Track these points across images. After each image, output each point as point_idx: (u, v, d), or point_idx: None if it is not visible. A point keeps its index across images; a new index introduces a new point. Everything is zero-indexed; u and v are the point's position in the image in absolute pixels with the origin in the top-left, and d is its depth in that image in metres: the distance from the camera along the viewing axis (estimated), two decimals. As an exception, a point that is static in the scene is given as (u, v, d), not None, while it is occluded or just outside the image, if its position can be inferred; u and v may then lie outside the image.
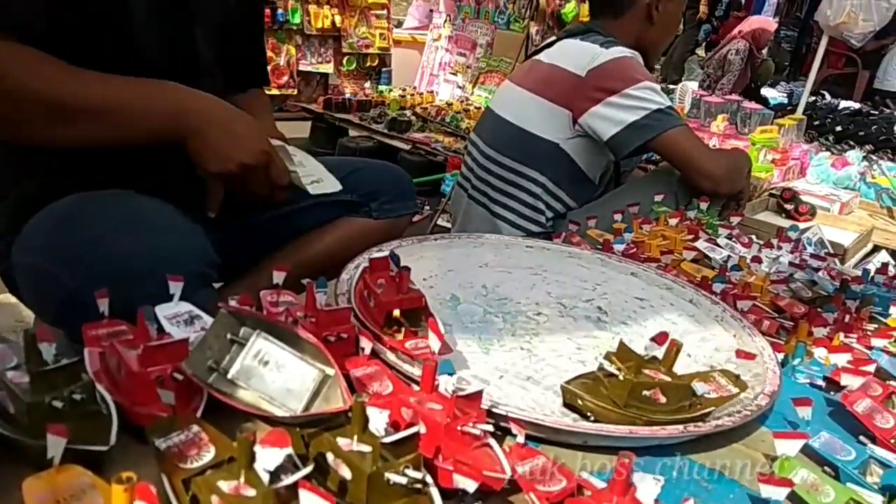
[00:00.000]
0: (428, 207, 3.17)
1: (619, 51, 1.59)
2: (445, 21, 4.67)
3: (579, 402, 0.68)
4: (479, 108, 4.20)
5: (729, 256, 1.29)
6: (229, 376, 0.60)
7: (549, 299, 0.93)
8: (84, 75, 0.90)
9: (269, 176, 0.98)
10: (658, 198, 1.57)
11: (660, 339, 0.72)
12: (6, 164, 1.06)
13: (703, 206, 1.55)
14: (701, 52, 9.36)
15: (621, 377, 0.67)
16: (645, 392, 0.67)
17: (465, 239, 1.09)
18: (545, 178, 1.68)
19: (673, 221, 1.39)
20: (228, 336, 0.64)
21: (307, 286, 0.76)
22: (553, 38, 1.82)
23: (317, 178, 1.08)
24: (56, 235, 0.91)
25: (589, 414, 0.67)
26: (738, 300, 1.02)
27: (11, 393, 0.55)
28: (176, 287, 0.73)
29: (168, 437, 0.54)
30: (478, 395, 0.60)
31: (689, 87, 3.55)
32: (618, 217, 1.42)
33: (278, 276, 0.79)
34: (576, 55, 1.61)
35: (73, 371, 0.55)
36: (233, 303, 0.69)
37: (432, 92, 4.66)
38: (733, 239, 1.39)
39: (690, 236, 1.36)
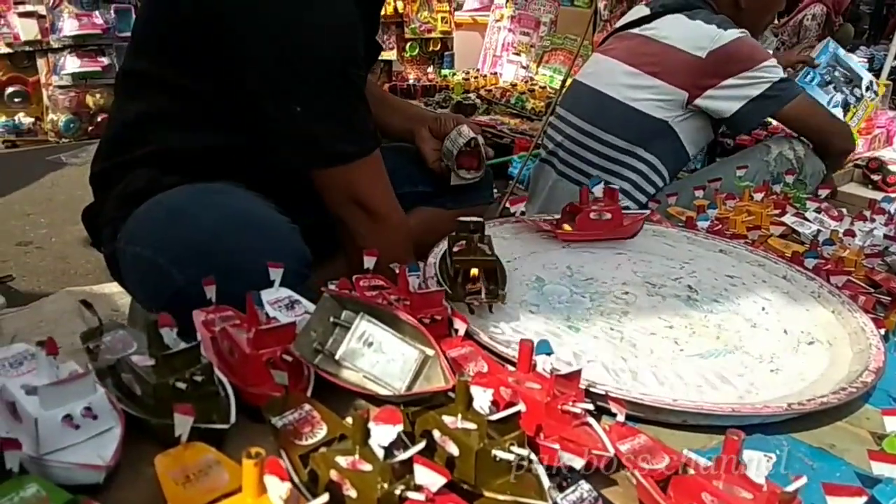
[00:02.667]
0: (495, 190, 3.16)
1: (737, 32, 1.58)
2: (507, 1, 4.61)
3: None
4: (545, 87, 4.14)
5: (819, 230, 1.25)
6: (336, 357, 0.63)
7: (636, 279, 0.92)
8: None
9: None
10: (740, 172, 1.52)
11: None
12: (120, 151, 1.12)
13: (790, 179, 1.49)
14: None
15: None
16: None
17: (547, 219, 1.09)
18: (652, 155, 1.66)
19: (758, 196, 1.35)
20: (331, 319, 0.66)
21: (399, 269, 0.78)
22: (643, 8, 1.76)
23: None
24: (167, 230, 0.96)
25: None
26: (831, 275, 0.99)
27: (137, 376, 0.59)
28: (276, 273, 0.76)
29: (283, 415, 0.56)
30: (576, 375, 0.60)
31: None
32: (699, 193, 1.39)
33: (369, 261, 0.81)
34: (692, 36, 1.59)
35: (192, 354, 0.58)
36: (332, 287, 0.72)
37: (496, 73, 4.62)
38: (822, 213, 1.34)
39: (777, 211, 1.32)
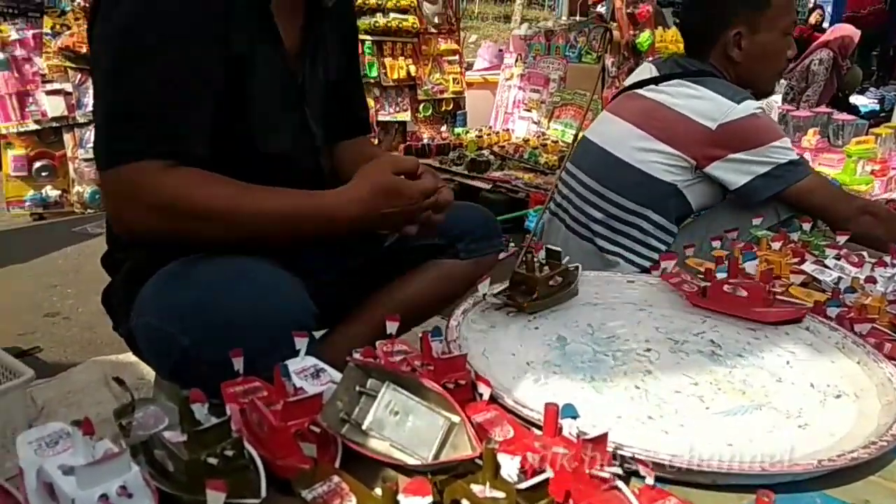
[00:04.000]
0: (513, 244, 3.19)
1: (750, 106, 1.57)
2: (516, 60, 4.74)
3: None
4: (556, 141, 4.21)
5: (840, 278, 1.24)
6: (363, 427, 0.63)
7: (658, 335, 0.92)
8: (265, 194, 1.01)
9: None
10: (756, 221, 1.53)
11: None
12: (117, 239, 1.16)
13: (806, 226, 1.50)
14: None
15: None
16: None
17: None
18: (660, 216, 1.66)
19: (776, 245, 1.35)
20: (357, 388, 0.67)
21: (422, 336, 0.79)
22: (651, 68, 1.78)
23: None
24: (168, 297, 0.98)
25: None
26: (855, 323, 0.98)
27: (169, 452, 0.60)
28: (301, 343, 0.77)
29: (312, 488, 0.57)
30: (603, 438, 0.61)
31: (775, 104, 3.44)
32: (716, 244, 1.40)
33: (391, 327, 0.83)
34: (704, 106, 1.58)
35: (223, 429, 0.59)
36: (357, 356, 0.73)
37: (508, 130, 4.71)
38: (842, 259, 1.34)
39: (796, 259, 1.32)
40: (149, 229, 0.97)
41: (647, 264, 1.67)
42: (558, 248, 1.05)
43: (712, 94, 1.58)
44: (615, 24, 3.30)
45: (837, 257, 1.35)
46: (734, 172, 1.57)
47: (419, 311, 1.38)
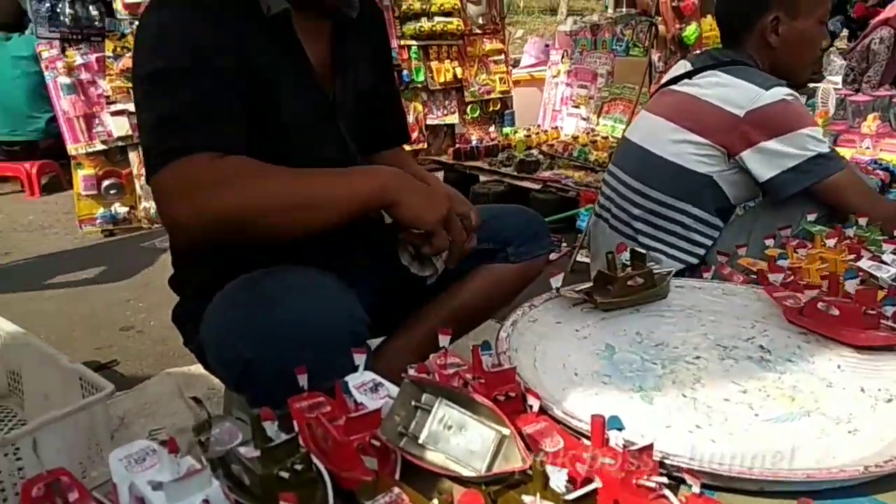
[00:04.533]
0: (565, 244, 3.20)
1: (780, 92, 1.55)
2: (563, 57, 4.72)
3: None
4: (606, 137, 4.18)
5: (898, 273, 1.22)
6: (420, 440, 0.68)
7: (706, 341, 0.94)
8: (304, 173, 1.04)
9: (450, 226, 1.06)
10: (811, 217, 1.51)
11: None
12: (184, 258, 1.24)
13: (862, 221, 1.47)
14: (841, 43, 8.73)
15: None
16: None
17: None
18: (698, 209, 1.67)
19: (830, 242, 1.33)
20: (413, 403, 0.71)
21: (473, 349, 0.82)
22: (686, 64, 1.79)
23: None
24: (231, 312, 1.05)
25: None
26: (912, 322, 0.97)
27: (245, 467, 0.65)
28: (360, 359, 0.82)
29: (375, 499, 0.61)
30: (649, 448, 0.63)
31: (831, 89, 3.34)
32: (769, 242, 1.39)
33: (444, 340, 0.86)
34: (732, 94, 1.58)
35: (292, 444, 0.65)
36: (412, 371, 0.77)
37: (557, 128, 4.70)
38: (901, 254, 1.31)
39: (852, 256, 1.30)
40: (200, 216, 0.98)
41: (692, 259, 1.67)
42: (643, 251, 1.08)
43: (740, 82, 1.58)
44: (660, 19, 3.26)
45: (895, 252, 1.32)
46: (762, 164, 1.56)
47: (472, 317, 1.42)
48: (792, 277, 1.22)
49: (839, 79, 5.95)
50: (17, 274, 3.19)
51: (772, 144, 1.54)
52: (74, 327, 2.52)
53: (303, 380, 0.78)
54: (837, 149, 3.04)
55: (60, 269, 3.18)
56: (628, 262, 1.08)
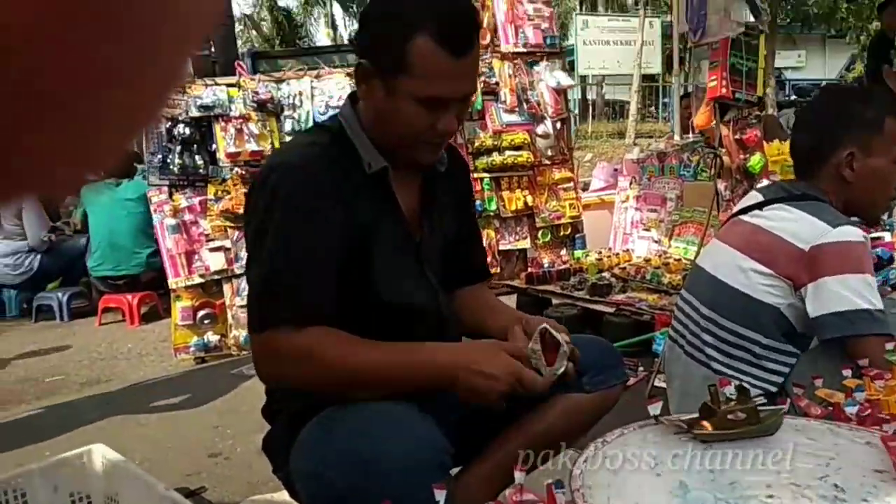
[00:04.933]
0: (641, 368, 3.17)
1: (847, 232, 1.57)
2: (631, 183, 4.85)
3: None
4: (679, 259, 4.19)
5: (983, 408, 1.19)
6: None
7: (780, 479, 0.94)
8: (375, 348, 1.19)
9: (523, 386, 1.18)
10: (889, 346, 1.49)
11: None
12: (278, 391, 1.36)
13: (942, 350, 1.44)
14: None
15: None
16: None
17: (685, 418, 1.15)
18: (767, 338, 1.68)
19: (909, 372, 1.32)
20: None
21: (547, 487, 0.87)
22: (756, 195, 1.84)
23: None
24: (323, 444, 1.14)
25: None
26: None
27: None
28: (441, 495, 0.87)
29: None
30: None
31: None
32: (847, 373, 1.38)
33: (519, 476, 0.91)
34: (800, 228, 1.62)
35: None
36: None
37: (628, 250, 4.76)
38: None
39: (931, 388, 1.28)
40: (284, 379, 1.22)
41: (769, 387, 1.66)
42: (748, 386, 1.10)
43: (809, 217, 1.61)
44: (724, 150, 3.36)
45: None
46: (813, 300, 1.57)
47: (549, 447, 1.44)
48: (870, 410, 1.21)
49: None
50: (116, 400, 3.40)
51: (825, 283, 1.55)
52: (166, 453, 2.65)
53: (441, 495, 0.84)
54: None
55: (155, 396, 3.38)
56: (733, 396, 1.10)
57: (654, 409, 1.11)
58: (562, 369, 1.25)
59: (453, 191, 1.47)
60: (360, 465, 1.07)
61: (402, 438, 1.09)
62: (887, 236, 3.22)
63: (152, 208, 4.06)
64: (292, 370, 1.19)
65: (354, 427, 1.12)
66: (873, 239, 3.11)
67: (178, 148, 3.89)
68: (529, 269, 4.52)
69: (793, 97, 20.31)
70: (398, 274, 1.32)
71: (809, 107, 1.98)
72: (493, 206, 4.83)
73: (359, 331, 1.21)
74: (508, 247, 4.94)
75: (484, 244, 1.72)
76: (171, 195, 4.03)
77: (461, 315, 1.49)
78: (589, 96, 19.17)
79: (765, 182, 3.34)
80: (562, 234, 5.15)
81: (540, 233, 5.06)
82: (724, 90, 3.13)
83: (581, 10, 19.54)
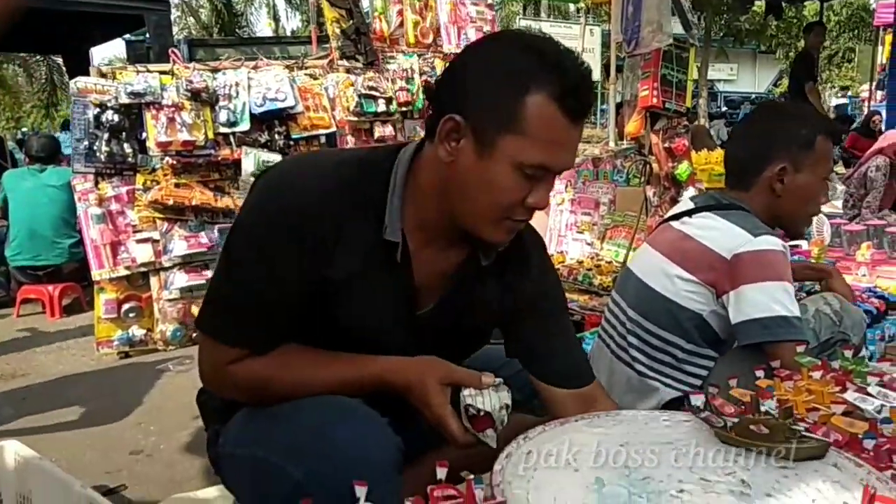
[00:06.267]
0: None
1: (768, 241, 1.63)
2: (566, 186, 4.94)
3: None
4: (610, 262, 4.30)
5: (882, 405, 1.27)
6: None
7: (690, 475, 0.98)
8: (307, 364, 1.16)
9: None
10: (800, 348, 1.57)
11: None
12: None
13: (848, 353, 1.53)
14: (840, 168, 9.05)
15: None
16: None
17: (605, 417, 1.18)
18: (689, 343, 1.74)
19: (816, 374, 1.38)
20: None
21: (466, 482, 0.88)
22: (688, 202, 1.90)
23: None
24: (275, 427, 1.11)
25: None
26: (894, 455, 1.02)
27: None
28: (361, 491, 0.87)
29: None
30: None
31: (825, 219, 3.48)
32: (760, 373, 1.44)
33: (441, 472, 0.92)
34: (722, 237, 1.67)
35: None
36: (408, 503, 0.83)
37: (562, 252, 4.84)
38: (885, 386, 1.36)
39: (838, 388, 1.35)
40: (227, 396, 1.20)
41: (686, 389, 1.72)
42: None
43: (731, 226, 1.68)
44: (653, 158, 3.47)
45: (881, 384, 1.37)
46: (734, 307, 1.63)
47: (491, 459, 1.44)
48: (779, 408, 1.27)
49: (840, 203, 6.15)
50: (32, 396, 3.26)
51: (745, 290, 1.61)
52: (86, 450, 2.55)
53: (361, 492, 0.83)
54: (834, 276, 3.13)
55: (76, 391, 3.25)
56: (772, 411, 1.12)
57: (697, 399, 1.15)
58: (488, 440, 1.12)
59: (506, 284, 1.29)
60: (322, 454, 1.04)
61: (365, 431, 1.07)
62: (804, 245, 3.38)
63: (76, 196, 3.90)
64: (241, 396, 1.19)
65: (313, 414, 1.09)
66: (791, 247, 3.27)
67: (106, 135, 3.74)
68: (466, 269, 4.53)
69: (724, 108, 21.14)
70: (376, 343, 1.19)
71: (746, 120, 2.05)
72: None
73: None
74: (446, 246, 4.95)
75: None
76: (97, 183, 3.88)
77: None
78: (530, 99, 19.35)
79: (691, 190, 3.47)
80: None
81: (477, 233, 5.08)
82: (654, 100, 3.23)
83: (524, 14, 19.76)
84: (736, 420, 1.10)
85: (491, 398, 1.11)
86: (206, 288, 1.24)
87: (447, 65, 1.18)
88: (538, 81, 1.04)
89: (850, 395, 1.32)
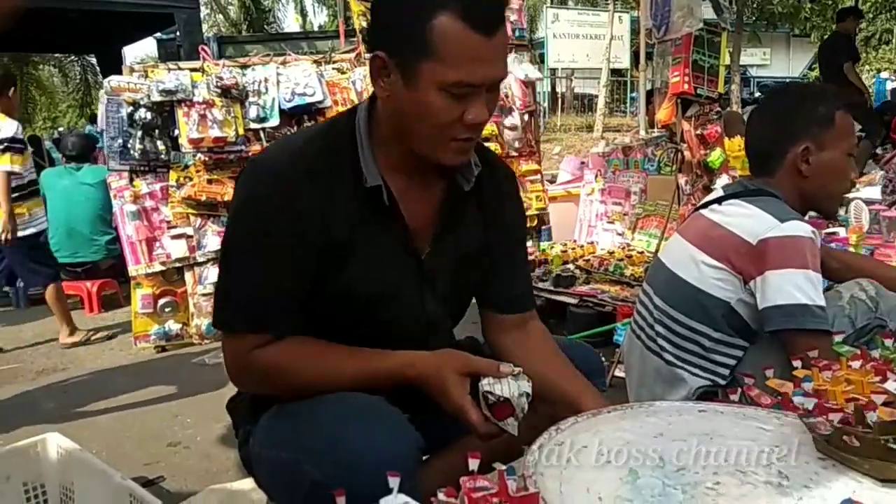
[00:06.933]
0: (603, 359, 3.21)
1: (795, 227, 1.60)
2: (596, 176, 4.90)
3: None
4: (642, 252, 4.25)
5: (925, 397, 1.24)
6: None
7: (726, 466, 0.97)
8: (327, 357, 1.18)
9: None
10: (838, 338, 1.53)
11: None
12: None
13: (889, 342, 1.49)
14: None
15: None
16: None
17: (638, 409, 1.17)
18: (718, 332, 1.71)
19: (856, 364, 1.35)
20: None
21: (498, 472, 0.88)
22: (719, 190, 1.88)
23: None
24: (297, 428, 1.13)
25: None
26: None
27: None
28: (394, 482, 0.88)
29: None
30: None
31: (863, 206, 3.39)
32: (796, 364, 1.41)
33: (473, 464, 0.92)
34: (750, 222, 1.65)
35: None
36: (441, 496, 0.83)
37: (593, 243, 4.81)
38: (929, 376, 1.33)
39: (878, 378, 1.32)
40: (258, 392, 1.22)
41: (718, 380, 1.70)
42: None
43: (759, 212, 1.65)
44: (685, 145, 3.41)
45: (923, 374, 1.34)
46: (760, 294, 1.60)
47: (515, 447, 1.44)
48: (816, 400, 1.24)
49: (878, 189, 5.99)
50: (73, 389, 3.34)
51: (769, 276, 1.58)
52: (125, 442, 2.61)
53: (395, 482, 0.84)
54: (873, 263, 3.05)
55: (114, 385, 3.33)
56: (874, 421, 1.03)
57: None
58: (509, 428, 1.12)
59: (485, 208, 1.34)
60: (340, 456, 1.05)
61: (383, 431, 1.08)
62: (842, 232, 3.30)
63: (112, 194, 3.98)
64: (263, 387, 1.21)
65: (334, 417, 1.11)
66: (828, 234, 3.19)
67: (139, 133, 3.81)
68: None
69: (757, 94, 20.71)
70: (386, 294, 1.24)
71: (761, 107, 2.01)
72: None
73: (336, 336, 1.20)
74: (475, 238, 4.94)
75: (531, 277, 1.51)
76: (131, 181, 3.96)
77: (496, 344, 1.40)
78: (558, 89, 19.27)
79: (724, 178, 3.41)
80: (529, 225, 5.18)
81: (507, 224, 5.07)
82: (686, 86, 3.18)
83: (551, 3, 19.60)
84: (831, 431, 1.02)
85: (510, 386, 1.11)
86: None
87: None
88: (441, 3, 1.06)
89: (892, 385, 1.29)
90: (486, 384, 1.12)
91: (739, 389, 1.30)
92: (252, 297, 1.16)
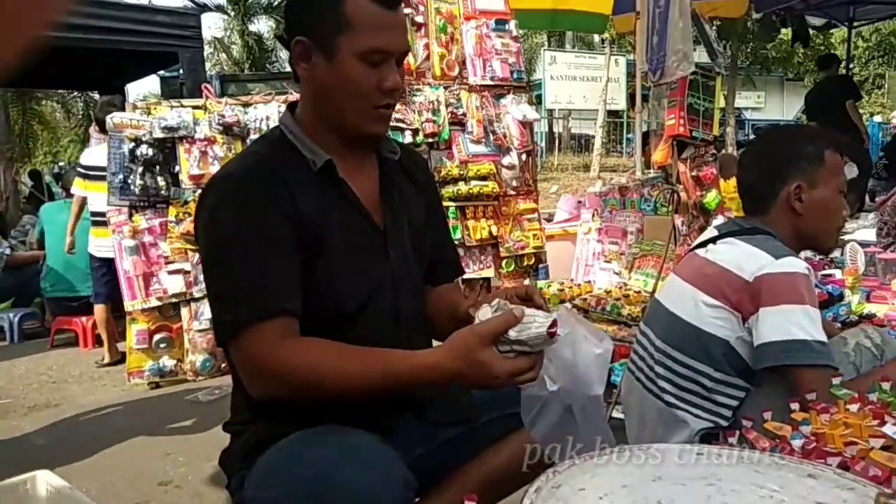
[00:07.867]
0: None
1: (790, 263, 1.61)
2: (593, 215, 4.93)
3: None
4: (639, 291, 4.25)
5: (924, 441, 1.23)
6: None
7: (725, 511, 0.96)
8: (352, 358, 1.17)
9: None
10: (836, 380, 1.53)
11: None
12: (242, 409, 1.33)
13: (886, 385, 1.49)
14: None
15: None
16: None
17: (637, 451, 1.16)
18: (718, 372, 1.70)
19: (853, 407, 1.35)
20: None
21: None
22: (713, 230, 1.89)
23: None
24: (288, 471, 1.12)
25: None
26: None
27: None
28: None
29: None
30: None
31: (858, 248, 3.42)
32: (794, 406, 1.41)
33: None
34: (745, 260, 1.66)
35: None
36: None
37: (589, 282, 4.81)
38: (927, 420, 1.32)
39: (876, 422, 1.31)
40: (272, 393, 1.18)
41: (720, 421, 1.69)
42: None
43: (753, 249, 1.66)
44: (681, 187, 3.45)
45: (921, 418, 1.33)
46: (756, 331, 1.60)
47: (504, 484, 1.43)
48: (815, 443, 1.23)
49: (873, 232, 6.02)
50: (65, 426, 3.30)
51: (765, 312, 1.58)
52: (116, 480, 2.57)
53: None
54: (870, 305, 3.07)
55: (106, 421, 3.29)
56: None
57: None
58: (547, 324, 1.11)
59: (413, 181, 1.47)
60: (332, 497, 1.05)
61: (373, 475, 1.08)
62: (838, 273, 3.32)
63: (111, 229, 3.98)
64: (281, 389, 1.18)
65: (325, 458, 1.10)
66: (824, 276, 3.21)
67: (140, 168, 3.84)
68: (492, 299, 4.51)
69: (751, 136, 20.97)
70: (360, 262, 1.30)
71: (752, 149, 2.05)
72: (458, 235, 4.85)
73: (318, 318, 1.22)
74: (472, 276, 4.95)
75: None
76: (130, 216, 3.97)
77: (430, 314, 1.46)
78: (556, 129, 19.50)
79: (720, 218, 3.44)
80: (525, 263, 5.18)
81: (504, 262, 5.08)
82: (681, 128, 3.22)
83: (549, 45, 19.95)
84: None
85: (528, 332, 1.12)
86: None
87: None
88: None
89: (890, 429, 1.28)
90: (512, 336, 1.11)
91: (738, 432, 1.29)
92: (257, 282, 1.17)
